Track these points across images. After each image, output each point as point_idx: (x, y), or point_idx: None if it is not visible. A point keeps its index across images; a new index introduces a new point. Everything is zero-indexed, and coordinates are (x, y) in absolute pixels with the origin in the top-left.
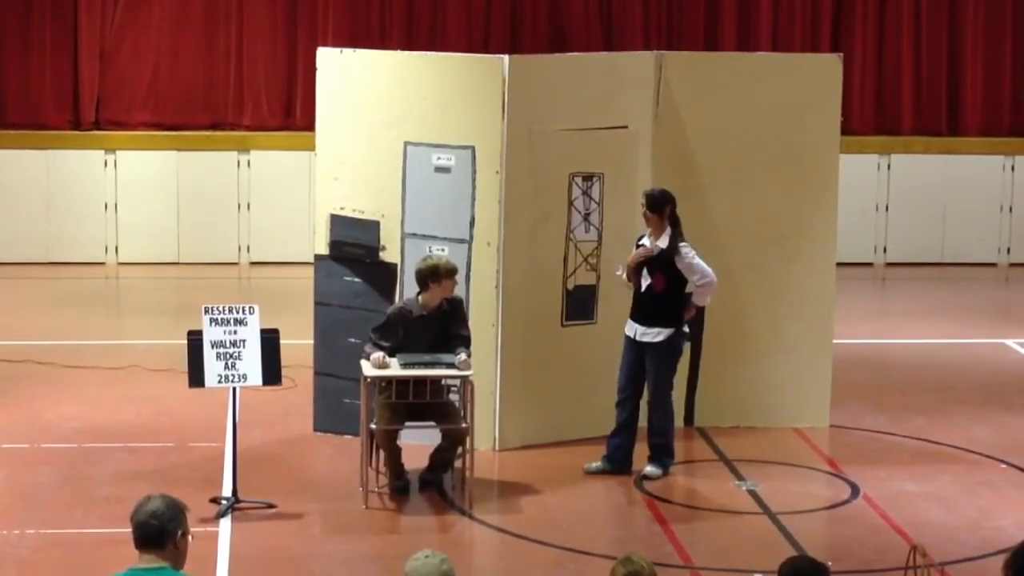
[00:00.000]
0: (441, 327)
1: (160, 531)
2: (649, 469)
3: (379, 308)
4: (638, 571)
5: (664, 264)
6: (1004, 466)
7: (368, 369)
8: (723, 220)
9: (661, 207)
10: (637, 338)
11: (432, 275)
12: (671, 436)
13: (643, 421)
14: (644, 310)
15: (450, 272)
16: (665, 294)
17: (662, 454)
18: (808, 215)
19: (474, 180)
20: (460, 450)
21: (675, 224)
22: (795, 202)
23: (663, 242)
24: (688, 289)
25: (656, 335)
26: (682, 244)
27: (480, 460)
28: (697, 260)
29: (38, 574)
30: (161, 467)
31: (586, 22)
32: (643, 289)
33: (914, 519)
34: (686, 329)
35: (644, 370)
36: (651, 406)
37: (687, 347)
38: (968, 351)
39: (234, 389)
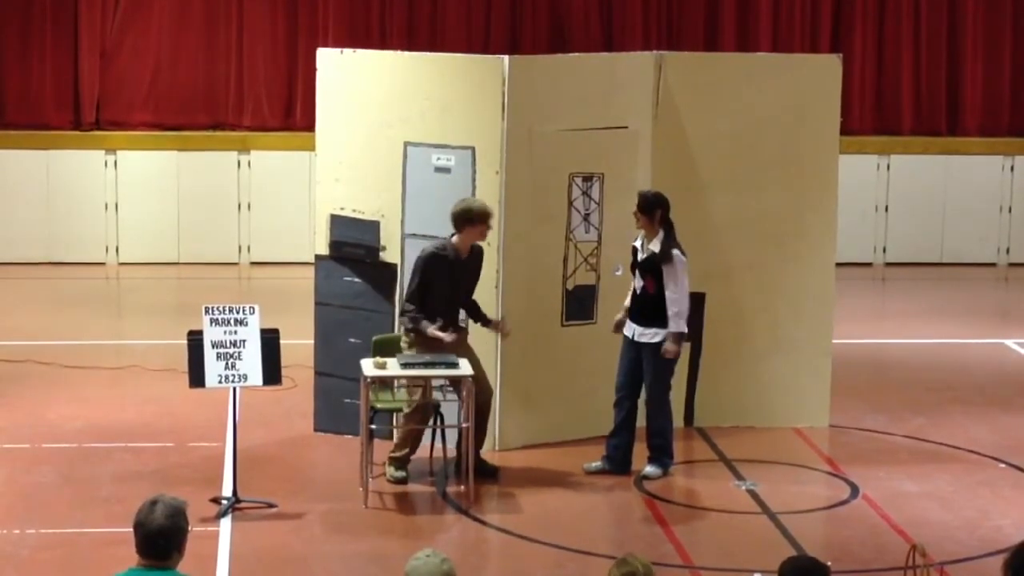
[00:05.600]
0: (473, 272)
1: (166, 548)
2: (649, 469)
3: (379, 308)
4: (634, 572)
5: (655, 268)
6: (1003, 466)
7: (368, 369)
8: (723, 220)
9: (651, 209)
10: (635, 338)
11: (465, 217)
12: (670, 436)
13: (642, 421)
14: (641, 311)
15: (484, 215)
16: (659, 296)
17: (662, 454)
18: (808, 215)
19: (474, 180)
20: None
21: (668, 228)
22: (795, 202)
23: (655, 246)
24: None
25: (653, 336)
26: (675, 251)
27: None
28: (682, 278)
29: (38, 574)
30: (161, 467)
31: (586, 22)
32: (638, 292)
33: (913, 519)
34: (684, 330)
35: (642, 370)
36: (649, 406)
37: (687, 347)
38: (968, 351)
39: (234, 389)
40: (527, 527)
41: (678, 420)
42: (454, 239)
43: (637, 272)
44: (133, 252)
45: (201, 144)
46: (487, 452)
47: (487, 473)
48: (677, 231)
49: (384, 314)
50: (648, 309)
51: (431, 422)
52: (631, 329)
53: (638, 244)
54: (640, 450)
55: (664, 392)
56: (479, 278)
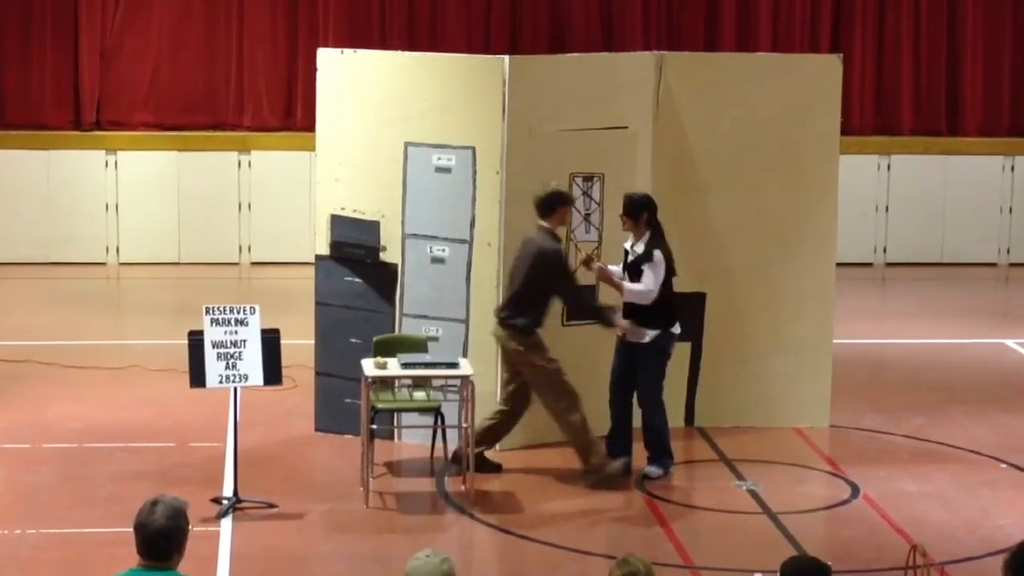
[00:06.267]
0: None
1: (167, 548)
2: (649, 469)
3: (379, 308)
4: (635, 572)
5: (641, 270)
6: (1004, 466)
7: (369, 369)
8: (723, 220)
9: (637, 212)
10: (628, 338)
11: (558, 199)
12: (667, 436)
13: (639, 422)
14: (632, 311)
15: (573, 199)
16: None
17: (661, 454)
18: (808, 215)
19: (474, 180)
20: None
21: (655, 231)
22: (795, 202)
23: (640, 247)
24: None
25: (643, 336)
26: (656, 252)
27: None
28: (653, 273)
29: (38, 574)
30: (162, 467)
31: (586, 22)
32: None
33: (914, 519)
34: (676, 331)
35: (635, 369)
36: (643, 407)
37: (687, 347)
38: (968, 351)
39: (235, 389)
40: (527, 527)
41: (679, 420)
42: (548, 224)
43: (626, 273)
44: (133, 252)
45: (201, 144)
46: (487, 451)
47: (490, 468)
48: (669, 234)
49: (384, 314)
50: (638, 310)
51: (435, 422)
52: None
53: (628, 246)
54: (640, 450)
55: (657, 392)
56: None
